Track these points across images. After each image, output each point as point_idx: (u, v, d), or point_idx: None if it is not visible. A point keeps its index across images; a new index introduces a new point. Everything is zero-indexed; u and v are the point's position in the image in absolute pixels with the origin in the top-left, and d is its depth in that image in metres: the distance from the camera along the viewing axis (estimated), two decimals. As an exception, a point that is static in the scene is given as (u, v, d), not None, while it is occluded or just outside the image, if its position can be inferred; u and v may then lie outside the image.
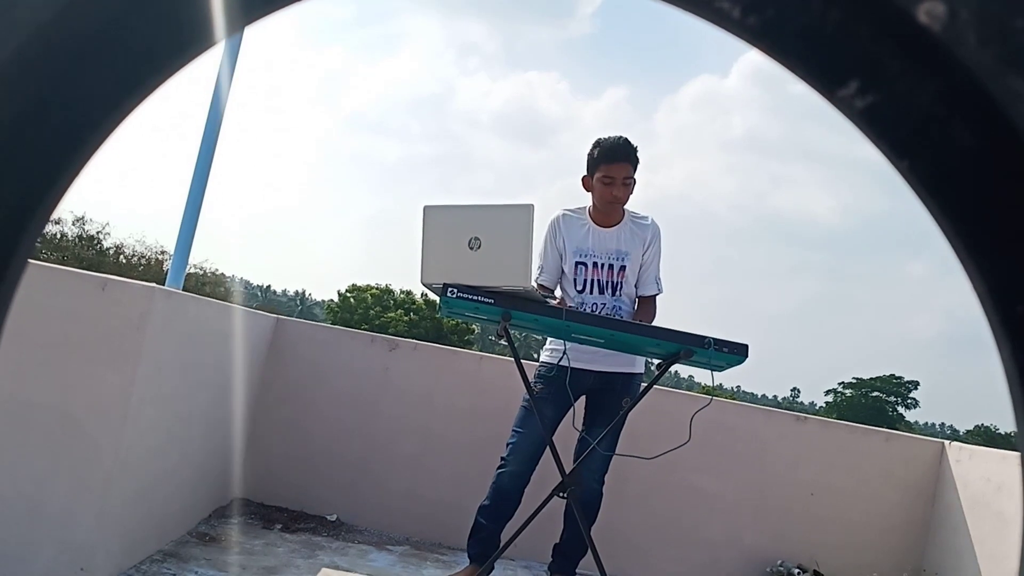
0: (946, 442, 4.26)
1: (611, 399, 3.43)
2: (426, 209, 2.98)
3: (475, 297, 2.87)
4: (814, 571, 3.99)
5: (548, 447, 3.16)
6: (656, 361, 3.34)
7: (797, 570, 3.97)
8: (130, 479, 2.63)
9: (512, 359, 3.23)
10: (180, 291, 2.89)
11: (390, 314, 43.64)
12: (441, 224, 2.96)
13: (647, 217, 3.57)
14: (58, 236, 31.02)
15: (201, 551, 3.15)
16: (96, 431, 2.47)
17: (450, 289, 2.87)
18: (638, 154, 3.43)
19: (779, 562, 4.03)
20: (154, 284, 2.62)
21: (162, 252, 31.40)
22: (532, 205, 2.86)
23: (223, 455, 3.69)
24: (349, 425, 4.09)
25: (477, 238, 2.88)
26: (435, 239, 2.96)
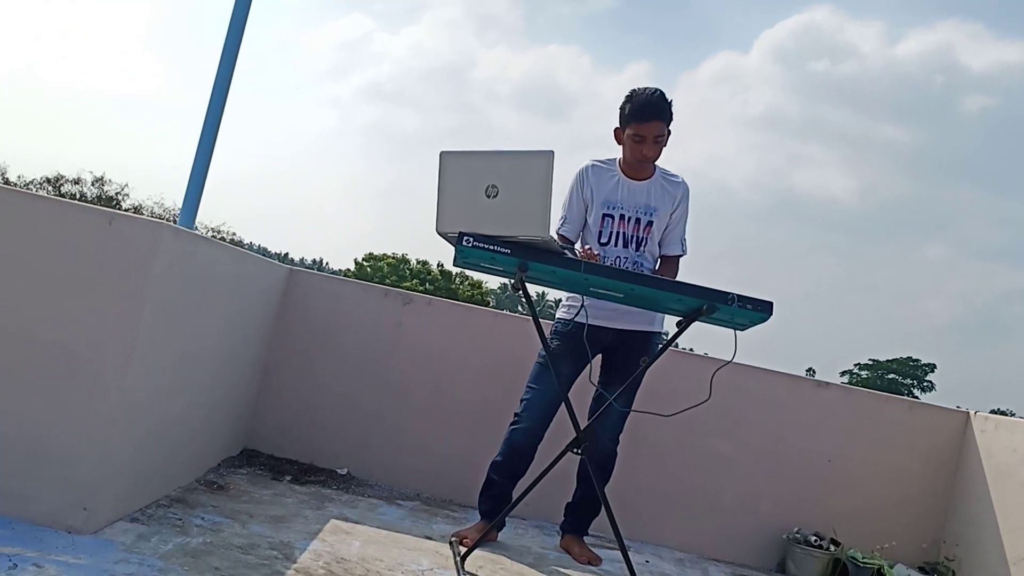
0: (971, 412, 4.16)
1: (629, 357, 3.35)
2: (443, 155, 2.89)
3: (491, 247, 2.79)
4: (831, 539, 3.91)
5: (563, 404, 3.09)
6: (670, 335, 3.27)
7: (814, 537, 3.90)
8: (136, 420, 2.58)
9: (528, 315, 3.14)
10: (189, 230, 2.82)
11: (406, 284, 43.64)
12: (458, 171, 2.87)
13: (678, 176, 3.47)
14: (78, 196, 31.12)
15: (209, 498, 3.11)
16: (100, 368, 2.41)
17: (466, 238, 2.78)
18: (672, 108, 3.30)
19: (796, 529, 3.96)
20: (163, 220, 2.55)
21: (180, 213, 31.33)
22: (552, 152, 2.76)
23: (233, 404, 3.64)
24: (361, 379, 4.03)
25: (494, 186, 2.79)
26: (451, 186, 2.87)
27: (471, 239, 2.79)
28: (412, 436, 4.02)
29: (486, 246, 2.79)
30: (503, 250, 2.80)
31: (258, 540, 2.75)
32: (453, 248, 2.85)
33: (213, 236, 32.29)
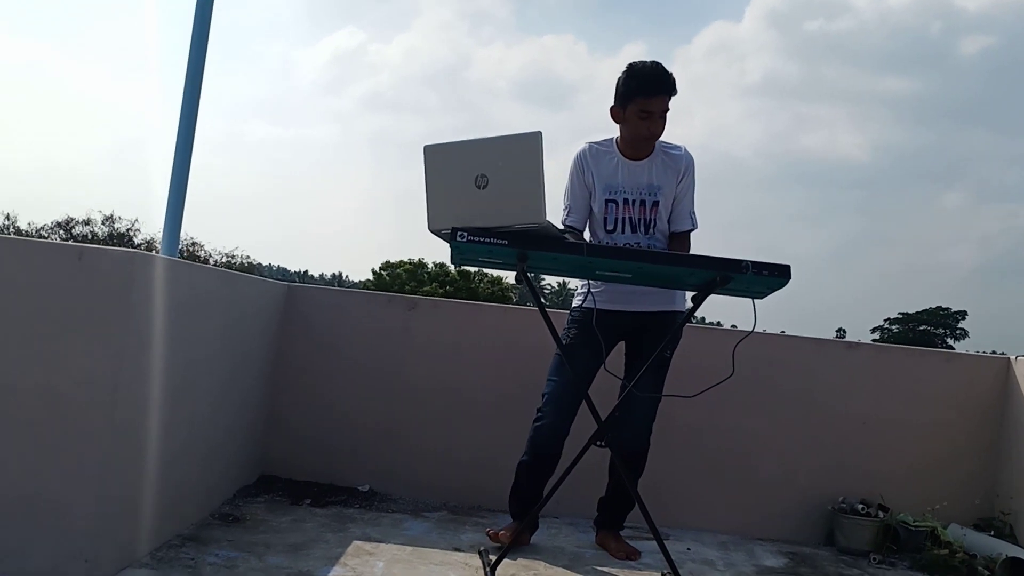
0: (1012, 357, 3.96)
1: (654, 341, 3.18)
2: (426, 149, 2.75)
3: (487, 240, 2.64)
4: (879, 505, 3.74)
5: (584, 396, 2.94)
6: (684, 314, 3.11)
7: (861, 505, 3.72)
8: (132, 461, 2.45)
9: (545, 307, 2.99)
10: (167, 257, 2.69)
11: (425, 288, 43.61)
12: (444, 164, 2.72)
13: (680, 147, 3.28)
14: (89, 236, 31.27)
15: (223, 532, 2.98)
16: (86, 409, 2.28)
17: (460, 233, 2.64)
18: (676, 83, 3.12)
19: (841, 499, 3.78)
20: (136, 250, 2.42)
21: (192, 243, 31.54)
22: (539, 132, 2.61)
23: (242, 431, 3.51)
24: (374, 391, 3.90)
25: (484, 175, 2.65)
26: (439, 181, 2.72)
27: (465, 234, 2.65)
28: (432, 443, 3.88)
29: (482, 239, 2.64)
30: (500, 242, 2.65)
31: (275, 572, 2.62)
32: (448, 244, 2.71)
33: (228, 262, 32.35)
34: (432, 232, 2.76)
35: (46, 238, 30.16)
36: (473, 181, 2.65)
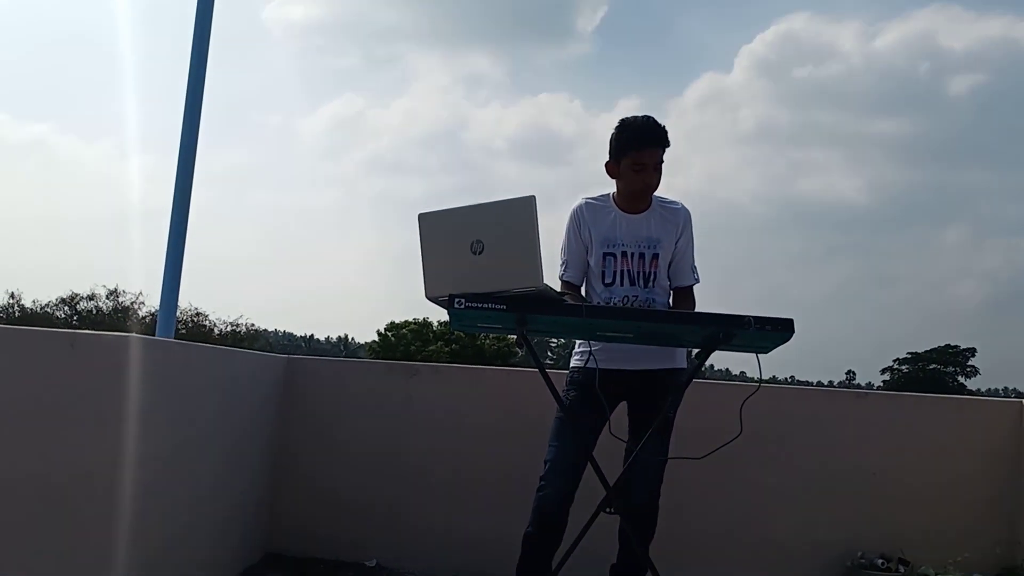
0: (1024, 400, 3.90)
1: (657, 401, 3.12)
2: (421, 217, 2.73)
3: (485, 305, 2.61)
4: (899, 559, 3.64)
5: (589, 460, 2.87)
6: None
7: (881, 560, 3.63)
8: (130, 550, 2.39)
9: (550, 368, 2.95)
10: (161, 339, 2.66)
11: (431, 347, 43.50)
12: (439, 231, 2.70)
13: (677, 202, 3.27)
14: (94, 311, 31.34)
15: (227, 617, 2.91)
16: (82, 501, 2.24)
17: (457, 300, 2.61)
18: (668, 135, 3.13)
19: (859, 554, 3.69)
20: (129, 334, 2.40)
21: (197, 314, 31.61)
22: (533, 196, 2.59)
23: (245, 510, 3.45)
24: (377, 462, 3.84)
25: (479, 241, 2.62)
26: (434, 248, 2.70)
27: (462, 300, 2.62)
28: (439, 512, 3.81)
29: (480, 305, 2.61)
30: (498, 306, 2.62)
31: (280, 659, 2.54)
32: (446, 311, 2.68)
33: (233, 330, 32.36)
34: (429, 299, 2.73)
35: (51, 315, 30.26)
36: (469, 247, 2.63)
